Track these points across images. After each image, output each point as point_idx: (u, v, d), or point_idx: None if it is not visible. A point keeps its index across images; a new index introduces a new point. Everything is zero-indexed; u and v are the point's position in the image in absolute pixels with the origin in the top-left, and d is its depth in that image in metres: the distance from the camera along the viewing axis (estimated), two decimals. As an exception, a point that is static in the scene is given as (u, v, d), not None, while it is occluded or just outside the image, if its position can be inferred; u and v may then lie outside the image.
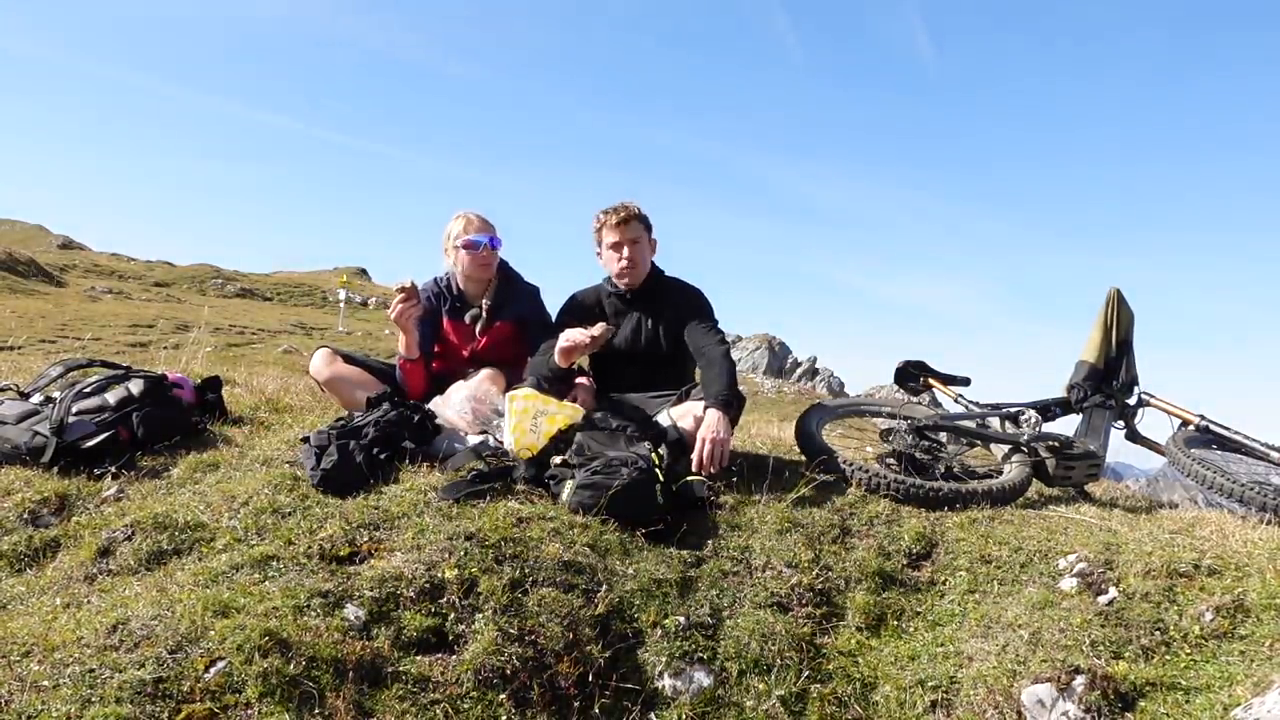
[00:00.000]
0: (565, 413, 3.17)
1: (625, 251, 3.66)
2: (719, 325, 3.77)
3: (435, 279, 4.02)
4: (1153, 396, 4.19)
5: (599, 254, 3.82)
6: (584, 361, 3.80)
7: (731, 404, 3.30)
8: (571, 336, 3.44)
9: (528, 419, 3.12)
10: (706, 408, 3.27)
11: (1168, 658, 2.20)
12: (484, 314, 3.93)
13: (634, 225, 3.67)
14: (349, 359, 3.97)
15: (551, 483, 2.93)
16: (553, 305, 4.02)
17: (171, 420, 3.35)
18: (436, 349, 4.02)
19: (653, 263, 3.80)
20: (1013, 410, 3.95)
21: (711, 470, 3.15)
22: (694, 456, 3.16)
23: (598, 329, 3.43)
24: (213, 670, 1.89)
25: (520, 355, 3.93)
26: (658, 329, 3.75)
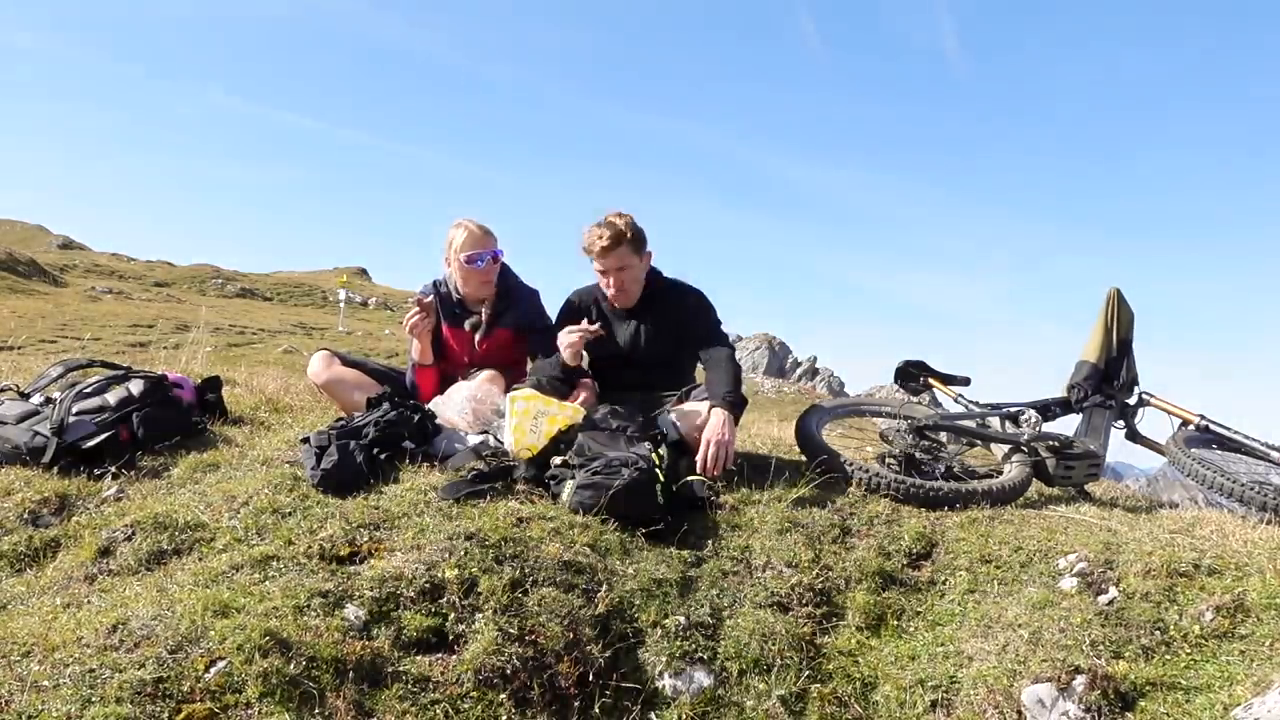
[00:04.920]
0: (566, 413, 3.17)
1: (611, 280, 3.65)
2: (722, 326, 3.79)
3: (435, 282, 3.98)
4: (1153, 396, 4.19)
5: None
6: (586, 363, 3.80)
7: (737, 405, 3.35)
8: (568, 340, 3.50)
9: (528, 419, 3.12)
10: (712, 408, 3.29)
11: (1168, 657, 2.20)
12: (483, 322, 3.91)
13: (619, 252, 3.57)
14: (347, 361, 3.96)
15: (552, 483, 2.93)
16: (553, 304, 4.02)
17: (171, 420, 3.35)
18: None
19: (652, 267, 3.78)
20: (1013, 410, 3.95)
21: (715, 474, 3.17)
22: (698, 458, 3.17)
23: (586, 324, 3.53)
24: (213, 670, 1.89)
25: (520, 360, 3.92)
26: (657, 334, 3.74)
